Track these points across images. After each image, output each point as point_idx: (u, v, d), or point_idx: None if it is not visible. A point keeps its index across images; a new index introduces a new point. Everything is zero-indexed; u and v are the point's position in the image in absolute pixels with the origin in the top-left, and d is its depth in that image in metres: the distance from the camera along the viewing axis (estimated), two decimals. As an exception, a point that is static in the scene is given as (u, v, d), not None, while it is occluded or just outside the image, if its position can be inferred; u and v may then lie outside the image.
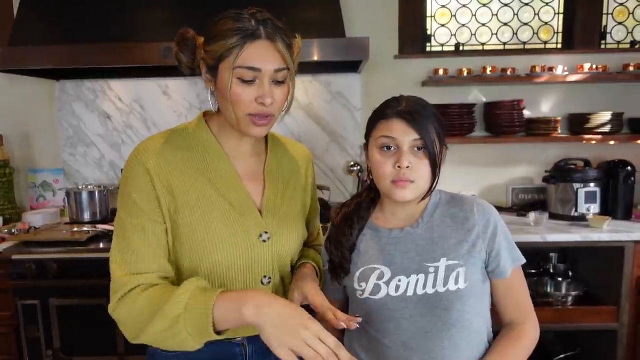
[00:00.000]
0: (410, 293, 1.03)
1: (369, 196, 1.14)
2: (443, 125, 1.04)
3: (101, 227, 2.23)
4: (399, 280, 1.03)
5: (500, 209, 2.46)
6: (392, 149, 1.01)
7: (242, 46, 0.91)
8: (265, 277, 1.04)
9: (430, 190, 1.05)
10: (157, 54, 2.10)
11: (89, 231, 2.20)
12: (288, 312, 0.82)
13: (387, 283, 1.04)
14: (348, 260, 1.09)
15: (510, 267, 1.07)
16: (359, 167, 2.61)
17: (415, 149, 1.01)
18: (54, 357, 2.10)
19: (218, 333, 0.86)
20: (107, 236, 2.19)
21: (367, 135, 1.09)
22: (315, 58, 2.10)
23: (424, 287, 1.02)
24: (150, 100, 2.62)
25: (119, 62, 2.14)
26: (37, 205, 2.68)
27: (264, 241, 1.03)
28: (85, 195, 2.43)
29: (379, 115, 1.04)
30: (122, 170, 2.61)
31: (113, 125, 2.64)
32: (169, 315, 0.85)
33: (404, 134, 1.00)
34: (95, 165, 2.67)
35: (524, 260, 1.10)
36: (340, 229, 1.10)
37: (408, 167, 0.99)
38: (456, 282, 1.01)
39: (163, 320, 0.86)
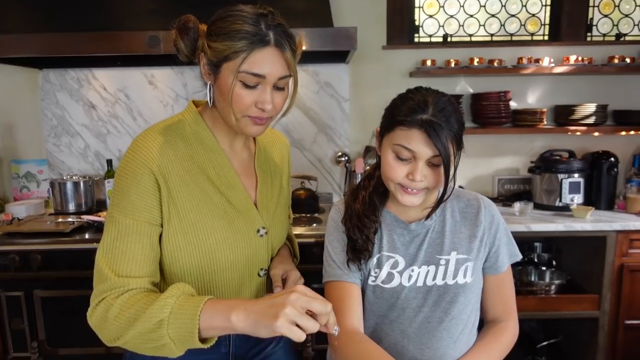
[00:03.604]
0: (420, 283, 1.04)
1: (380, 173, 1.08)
2: (463, 124, 0.98)
3: (86, 217, 2.21)
4: (412, 271, 1.04)
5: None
6: (408, 159, 0.97)
7: (249, 51, 0.88)
8: (261, 269, 1.06)
9: (443, 198, 1.02)
10: (142, 42, 2.07)
11: (73, 222, 2.18)
12: (272, 297, 0.80)
13: (401, 273, 1.04)
14: (373, 243, 1.05)
15: (507, 263, 1.09)
16: (346, 158, 2.61)
17: (432, 162, 0.97)
18: (39, 349, 2.09)
19: (201, 341, 0.82)
20: (92, 227, 2.17)
21: (383, 129, 1.02)
22: (304, 48, 2.09)
23: (434, 278, 1.03)
24: (136, 89, 2.59)
25: (103, 50, 2.10)
26: (20, 196, 2.64)
27: (262, 236, 1.04)
28: (69, 186, 2.40)
29: (400, 120, 0.95)
30: (108, 161, 2.58)
31: (98, 114, 2.60)
32: (152, 320, 0.82)
33: (422, 147, 0.94)
34: (80, 156, 2.64)
35: (520, 256, 1.12)
36: (362, 211, 1.06)
37: (421, 180, 0.97)
38: (464, 276, 1.03)
39: (145, 323, 0.82)
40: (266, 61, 0.89)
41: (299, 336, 0.74)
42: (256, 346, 1.13)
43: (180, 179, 0.96)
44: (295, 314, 0.74)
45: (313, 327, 0.75)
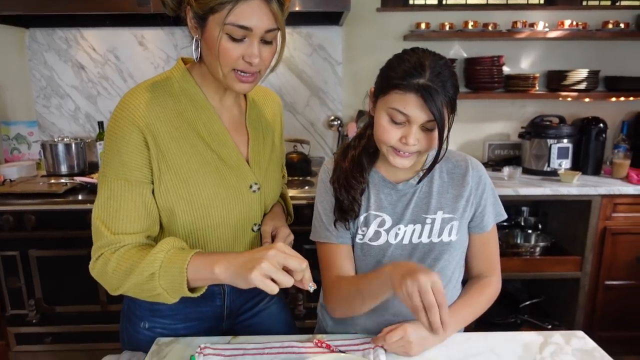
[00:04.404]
0: (406, 241, 1.07)
1: (373, 136, 1.08)
2: (458, 88, 0.98)
3: (79, 179, 2.21)
4: (398, 229, 1.07)
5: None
6: (402, 122, 0.96)
7: (235, 2, 0.87)
8: (255, 224, 1.09)
9: (436, 162, 1.02)
10: (131, 1, 2.03)
11: (66, 183, 2.18)
12: (252, 252, 0.84)
13: (388, 231, 1.07)
14: (359, 204, 1.08)
15: (492, 222, 1.12)
16: (339, 122, 2.61)
17: (425, 126, 0.97)
18: (36, 307, 2.14)
19: (191, 290, 0.89)
20: (86, 188, 2.18)
21: (378, 90, 1.01)
22: (296, 8, 2.06)
23: (420, 236, 1.06)
24: (126, 50, 2.55)
25: (91, 8, 2.07)
26: (11, 158, 2.63)
27: (254, 192, 1.06)
28: (61, 148, 2.39)
29: (396, 83, 0.94)
30: (99, 123, 2.56)
31: (87, 76, 2.57)
32: (144, 273, 0.88)
33: (417, 111, 0.93)
34: (70, 117, 2.62)
35: (505, 216, 1.15)
36: (350, 171, 1.07)
37: (414, 144, 0.97)
38: (449, 234, 1.06)
39: (139, 276, 0.88)
40: (253, 13, 0.88)
41: (271, 289, 0.79)
42: (250, 300, 1.17)
43: (170, 136, 0.96)
44: (270, 269, 0.79)
45: (287, 282, 0.80)
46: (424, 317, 0.84)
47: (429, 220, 1.06)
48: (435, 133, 0.96)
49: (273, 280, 0.80)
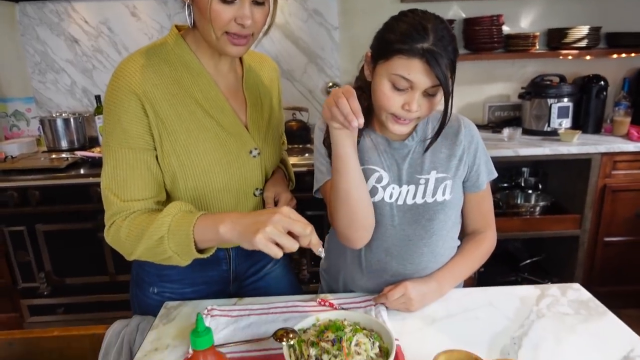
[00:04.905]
0: (400, 202, 1.07)
1: (364, 94, 1.05)
2: (457, 50, 0.96)
3: (80, 153, 2.22)
4: (393, 188, 1.07)
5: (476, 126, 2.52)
6: (405, 88, 0.94)
7: None
8: (257, 189, 1.10)
9: (443, 127, 1.00)
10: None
11: (67, 158, 2.20)
12: (258, 214, 0.85)
13: (384, 188, 1.07)
14: None
15: (486, 181, 1.13)
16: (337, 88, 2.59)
17: (427, 92, 0.95)
18: (46, 279, 2.19)
19: (200, 251, 0.91)
20: (87, 162, 2.19)
21: (377, 55, 0.97)
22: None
23: (414, 197, 1.07)
24: (119, 22, 2.51)
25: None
26: (11, 134, 2.64)
27: (254, 157, 1.07)
28: (60, 123, 2.39)
29: (399, 48, 0.90)
30: (96, 97, 2.54)
31: (81, 49, 2.54)
32: (154, 237, 0.90)
33: (422, 77, 0.91)
34: (67, 92, 2.60)
35: (496, 174, 1.15)
36: None
37: (417, 111, 0.95)
38: (443, 194, 1.06)
39: (149, 240, 0.90)
40: None
41: (275, 253, 0.80)
42: (255, 264, 1.19)
43: (168, 103, 0.97)
44: (275, 233, 0.79)
45: (292, 246, 0.80)
46: (338, 113, 0.88)
47: (422, 181, 1.07)
48: (436, 98, 0.95)
49: (278, 244, 0.80)
